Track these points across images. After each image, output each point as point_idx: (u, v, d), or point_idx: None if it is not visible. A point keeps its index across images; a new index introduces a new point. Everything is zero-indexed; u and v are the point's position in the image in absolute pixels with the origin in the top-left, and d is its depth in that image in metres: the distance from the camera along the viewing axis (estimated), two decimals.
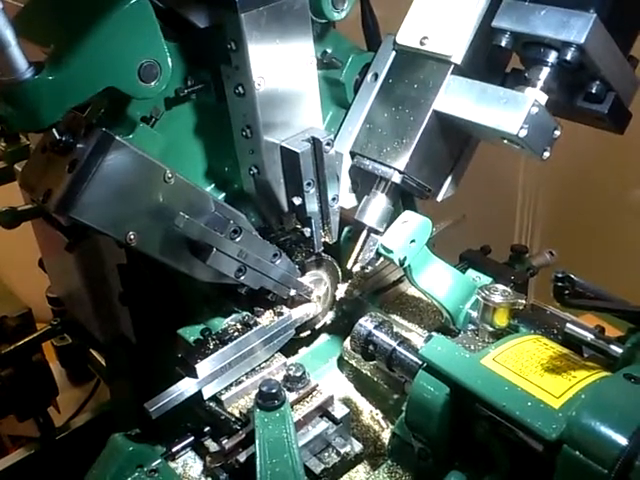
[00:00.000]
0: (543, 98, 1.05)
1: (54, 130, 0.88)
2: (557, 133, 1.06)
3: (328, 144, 1.07)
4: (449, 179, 1.22)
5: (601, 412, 0.74)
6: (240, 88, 1.02)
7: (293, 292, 1.17)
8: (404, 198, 1.25)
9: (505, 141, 1.06)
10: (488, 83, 1.09)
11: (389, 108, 1.17)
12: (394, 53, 1.19)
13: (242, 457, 1.00)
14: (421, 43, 1.13)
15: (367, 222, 1.15)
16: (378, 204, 1.15)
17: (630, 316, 0.87)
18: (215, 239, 1.01)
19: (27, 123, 0.87)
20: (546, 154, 1.07)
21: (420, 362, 0.96)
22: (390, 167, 1.13)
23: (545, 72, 1.05)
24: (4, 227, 1.32)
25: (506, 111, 1.03)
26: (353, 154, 1.20)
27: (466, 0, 1.10)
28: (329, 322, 1.28)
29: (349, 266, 1.19)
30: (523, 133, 1.02)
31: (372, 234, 1.15)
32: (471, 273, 1.15)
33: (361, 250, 1.17)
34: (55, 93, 0.83)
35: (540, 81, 1.05)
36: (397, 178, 1.13)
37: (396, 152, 1.13)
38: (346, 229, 1.24)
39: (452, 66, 1.11)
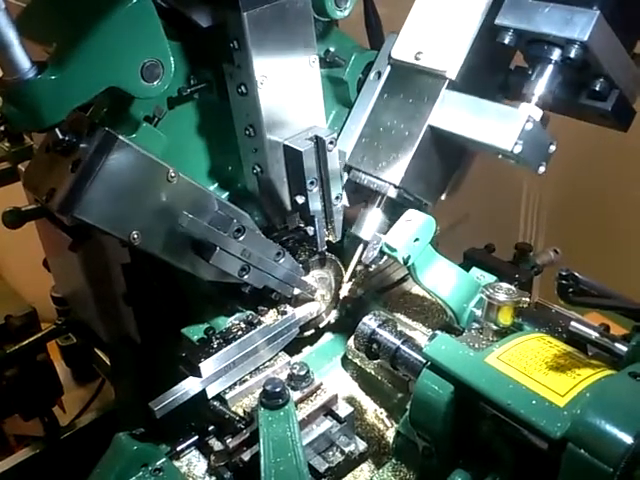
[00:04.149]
0: (538, 113, 1.04)
1: (57, 130, 0.88)
2: (553, 148, 1.05)
3: (331, 142, 1.07)
4: (446, 189, 1.22)
5: (606, 410, 0.74)
6: (243, 87, 1.02)
7: (297, 291, 1.17)
8: None
9: (500, 156, 1.06)
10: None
11: (384, 122, 1.16)
12: (389, 67, 1.18)
13: (246, 456, 1.00)
14: (416, 58, 1.13)
15: (363, 236, 1.15)
16: (374, 218, 1.15)
17: (635, 314, 0.87)
18: (218, 238, 1.01)
19: (30, 123, 0.87)
20: (542, 169, 1.06)
21: (424, 361, 0.96)
22: (385, 182, 1.13)
23: (541, 86, 1.04)
24: (8, 227, 1.32)
25: (500, 127, 1.03)
26: (349, 168, 1.19)
27: (462, 15, 1.10)
28: (333, 321, 1.28)
29: (345, 280, 1.20)
30: (518, 149, 1.01)
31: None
32: (475, 271, 1.15)
33: (357, 264, 1.17)
34: (58, 93, 0.84)
35: (535, 96, 1.05)
36: (392, 193, 1.13)
37: (391, 166, 1.13)
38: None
39: (447, 81, 1.10)
